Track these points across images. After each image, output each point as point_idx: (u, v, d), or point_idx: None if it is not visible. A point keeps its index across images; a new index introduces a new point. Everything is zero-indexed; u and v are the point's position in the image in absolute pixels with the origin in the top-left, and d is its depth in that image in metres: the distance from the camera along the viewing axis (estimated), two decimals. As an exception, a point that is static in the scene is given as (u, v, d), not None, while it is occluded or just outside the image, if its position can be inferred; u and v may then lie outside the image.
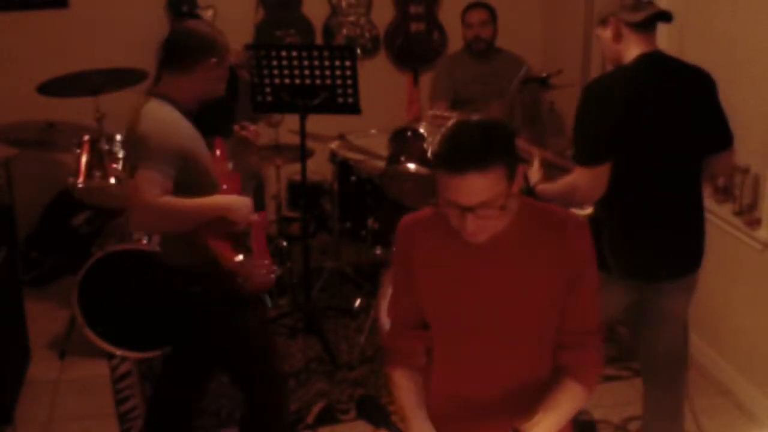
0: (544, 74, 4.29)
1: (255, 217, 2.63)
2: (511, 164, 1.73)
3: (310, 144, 4.15)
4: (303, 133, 3.91)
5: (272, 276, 2.72)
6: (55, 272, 4.64)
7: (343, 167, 4.32)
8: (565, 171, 2.94)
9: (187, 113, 2.61)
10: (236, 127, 2.89)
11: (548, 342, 1.94)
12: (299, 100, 3.84)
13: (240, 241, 2.61)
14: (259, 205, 4.65)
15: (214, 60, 2.59)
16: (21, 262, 4.27)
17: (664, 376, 2.89)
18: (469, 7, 4.50)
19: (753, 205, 3.40)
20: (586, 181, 2.60)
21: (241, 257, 2.56)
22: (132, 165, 2.45)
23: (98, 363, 3.88)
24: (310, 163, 4.13)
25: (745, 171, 3.37)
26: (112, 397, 3.65)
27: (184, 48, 2.59)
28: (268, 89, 3.89)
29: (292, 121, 4.15)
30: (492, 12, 4.48)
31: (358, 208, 4.31)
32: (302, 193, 4.18)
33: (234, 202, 2.58)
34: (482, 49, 4.48)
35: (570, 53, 4.99)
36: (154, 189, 2.36)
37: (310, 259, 4.03)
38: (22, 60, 4.71)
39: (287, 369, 3.77)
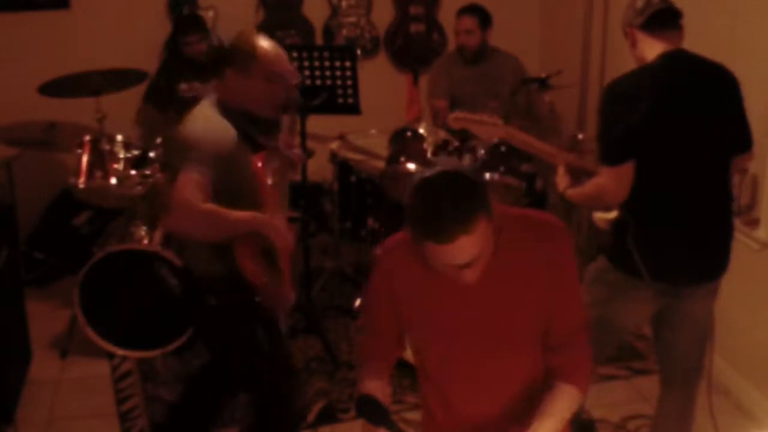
0: (543, 75, 4.30)
1: (290, 239, 2.61)
2: (488, 207, 1.71)
3: (310, 144, 4.16)
4: (303, 134, 3.92)
5: (291, 298, 2.71)
6: (56, 272, 4.65)
7: (343, 167, 4.33)
8: (587, 173, 2.94)
9: (242, 120, 2.56)
10: (281, 144, 2.82)
11: (540, 346, 1.95)
12: (299, 100, 3.85)
13: (271, 260, 2.61)
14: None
15: (229, 70, 2.52)
16: (22, 262, 4.27)
17: (680, 382, 2.89)
18: (459, 13, 4.49)
19: (751, 206, 3.41)
20: (612, 180, 2.58)
21: (266, 277, 2.57)
22: (173, 165, 2.40)
23: (99, 362, 3.89)
24: (310, 163, 4.13)
25: (744, 171, 3.37)
26: (113, 396, 3.66)
27: (223, 54, 2.57)
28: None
29: (292, 121, 4.16)
30: (482, 18, 4.45)
31: (358, 208, 4.32)
32: (302, 193, 4.19)
33: (272, 220, 2.56)
34: (468, 57, 4.49)
35: (569, 53, 5.00)
36: (193, 189, 2.32)
37: (310, 259, 4.04)
38: (23, 60, 4.71)
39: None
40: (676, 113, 2.56)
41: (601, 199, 2.70)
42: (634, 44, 2.67)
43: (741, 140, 2.72)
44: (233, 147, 2.47)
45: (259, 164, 2.67)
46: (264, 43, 2.55)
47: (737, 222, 3.39)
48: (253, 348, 2.70)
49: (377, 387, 1.98)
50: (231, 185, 2.44)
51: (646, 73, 2.62)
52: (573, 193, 2.83)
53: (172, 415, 3.09)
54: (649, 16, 2.61)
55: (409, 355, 3.84)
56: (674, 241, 2.62)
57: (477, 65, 4.51)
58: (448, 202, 1.67)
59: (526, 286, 1.88)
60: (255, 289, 2.56)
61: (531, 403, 1.93)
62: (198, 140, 2.40)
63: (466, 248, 1.69)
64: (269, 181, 2.76)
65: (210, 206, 2.36)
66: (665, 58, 2.60)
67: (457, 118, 3.41)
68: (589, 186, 2.73)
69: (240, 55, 2.52)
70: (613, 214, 2.75)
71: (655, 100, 2.54)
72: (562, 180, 2.90)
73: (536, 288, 1.87)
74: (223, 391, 2.99)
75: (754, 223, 3.38)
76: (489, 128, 3.20)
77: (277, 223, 2.58)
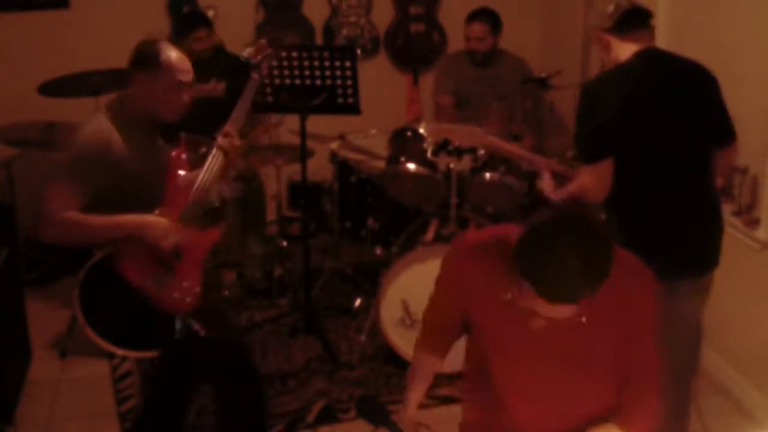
0: (543, 75, 4.30)
1: (173, 240, 2.60)
2: (600, 286, 1.61)
3: (310, 144, 4.16)
4: (303, 134, 3.92)
5: (187, 300, 2.69)
6: (56, 272, 4.65)
7: (343, 167, 4.32)
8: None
9: (142, 124, 2.63)
10: (219, 137, 2.85)
11: (610, 391, 1.88)
12: (299, 100, 3.85)
13: (162, 262, 2.62)
14: (256, 206, 4.66)
15: (141, 75, 2.60)
16: (22, 262, 4.27)
17: (673, 379, 2.88)
18: (470, 18, 4.47)
19: (752, 205, 3.41)
20: (591, 178, 2.62)
21: (148, 281, 2.60)
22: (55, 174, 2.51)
23: (99, 363, 3.88)
24: (310, 163, 4.13)
25: (744, 171, 3.37)
26: (112, 396, 3.66)
27: (131, 58, 2.65)
28: (268, 89, 3.90)
29: (292, 121, 4.16)
30: (493, 22, 4.45)
31: (358, 208, 4.32)
32: (302, 193, 4.19)
33: (150, 223, 2.58)
34: (479, 61, 4.49)
35: (570, 53, 4.99)
36: (61, 202, 2.44)
37: (310, 259, 4.04)
38: (22, 60, 4.71)
39: (286, 369, 3.79)
40: (649, 109, 2.60)
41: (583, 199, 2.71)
42: (606, 49, 2.71)
43: (721, 134, 2.74)
44: (114, 152, 2.53)
45: (175, 168, 2.69)
46: (170, 50, 2.64)
47: (737, 222, 3.40)
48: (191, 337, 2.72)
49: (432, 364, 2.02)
50: (121, 188, 2.51)
51: (619, 71, 2.67)
52: (557, 196, 2.85)
53: (144, 413, 3.07)
54: (619, 18, 2.65)
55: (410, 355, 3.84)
56: (658, 235, 2.63)
57: (483, 68, 4.52)
58: (575, 270, 1.55)
59: (606, 325, 1.80)
60: (139, 290, 2.61)
61: None
62: (72, 149, 2.51)
63: (559, 312, 1.64)
64: (182, 176, 2.73)
65: (72, 215, 2.45)
66: (639, 57, 2.64)
67: (434, 130, 3.45)
68: (571, 187, 2.76)
69: (146, 59, 2.60)
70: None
71: (627, 97, 2.58)
72: (547, 186, 2.93)
73: (616, 329, 1.80)
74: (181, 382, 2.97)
75: (754, 223, 3.38)
76: (468, 137, 3.25)
77: (150, 221, 2.58)
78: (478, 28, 4.43)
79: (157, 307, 2.64)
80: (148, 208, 2.60)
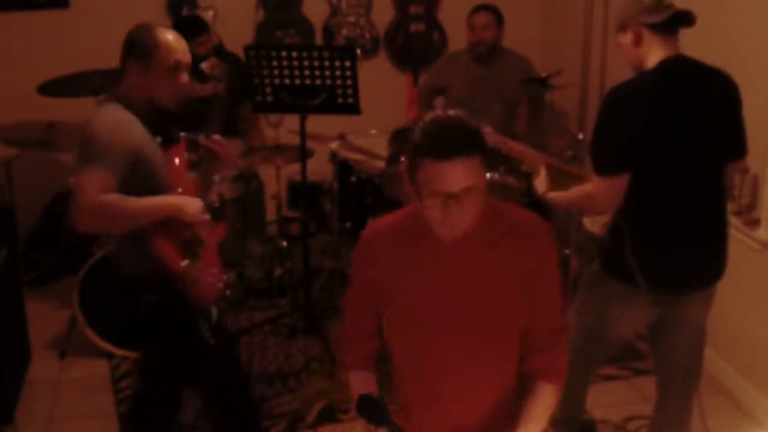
0: (544, 74, 4.30)
1: (207, 217, 2.59)
2: (486, 154, 1.82)
3: (310, 144, 4.15)
4: (303, 134, 3.92)
5: (219, 285, 2.69)
6: (55, 272, 4.65)
7: (343, 167, 4.32)
8: (571, 176, 2.92)
9: (144, 114, 2.54)
10: (201, 138, 2.83)
11: (516, 346, 1.97)
12: (299, 100, 3.84)
13: (189, 248, 2.60)
14: (256, 206, 4.66)
15: (138, 61, 2.53)
16: (21, 262, 4.27)
17: (678, 385, 2.87)
18: (474, 10, 4.49)
19: (752, 206, 3.40)
20: (603, 191, 2.51)
21: (186, 262, 2.55)
22: (78, 165, 2.39)
23: (98, 363, 3.88)
24: (310, 163, 4.13)
25: (744, 171, 3.36)
26: (112, 396, 3.66)
27: (123, 47, 2.59)
28: (268, 90, 3.90)
29: (292, 121, 4.15)
30: (497, 16, 4.46)
31: (358, 208, 4.31)
32: (302, 193, 4.19)
33: (184, 201, 2.54)
34: (483, 54, 4.47)
35: (570, 53, 4.99)
36: (95, 188, 2.31)
37: (310, 259, 4.04)
38: (22, 60, 4.71)
39: (286, 369, 3.79)
40: (675, 123, 2.49)
41: (587, 207, 2.67)
42: (638, 42, 2.53)
43: (736, 148, 2.68)
44: (140, 142, 2.45)
45: (176, 159, 2.67)
46: (165, 33, 2.59)
47: (738, 222, 3.40)
48: (196, 342, 2.67)
49: (367, 381, 2.06)
50: (142, 181, 2.44)
51: (644, 81, 2.53)
52: (555, 197, 2.79)
53: (136, 406, 3.05)
54: (670, 18, 2.49)
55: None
56: (672, 249, 2.58)
57: (487, 66, 4.50)
58: (457, 125, 1.81)
59: (506, 285, 1.90)
60: (177, 278, 2.54)
61: (505, 411, 1.97)
62: (101, 138, 2.38)
63: (461, 172, 1.76)
64: (191, 176, 2.72)
65: (114, 196, 2.34)
66: (666, 66, 2.50)
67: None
68: (575, 193, 2.69)
69: (140, 45, 2.54)
70: (605, 218, 2.72)
71: (654, 111, 2.47)
72: (542, 183, 2.88)
73: (516, 288, 1.90)
74: (177, 383, 2.92)
75: (754, 223, 3.37)
76: None
77: (185, 200, 2.55)
78: (484, 16, 4.44)
79: (187, 297, 2.58)
80: (161, 194, 2.53)
